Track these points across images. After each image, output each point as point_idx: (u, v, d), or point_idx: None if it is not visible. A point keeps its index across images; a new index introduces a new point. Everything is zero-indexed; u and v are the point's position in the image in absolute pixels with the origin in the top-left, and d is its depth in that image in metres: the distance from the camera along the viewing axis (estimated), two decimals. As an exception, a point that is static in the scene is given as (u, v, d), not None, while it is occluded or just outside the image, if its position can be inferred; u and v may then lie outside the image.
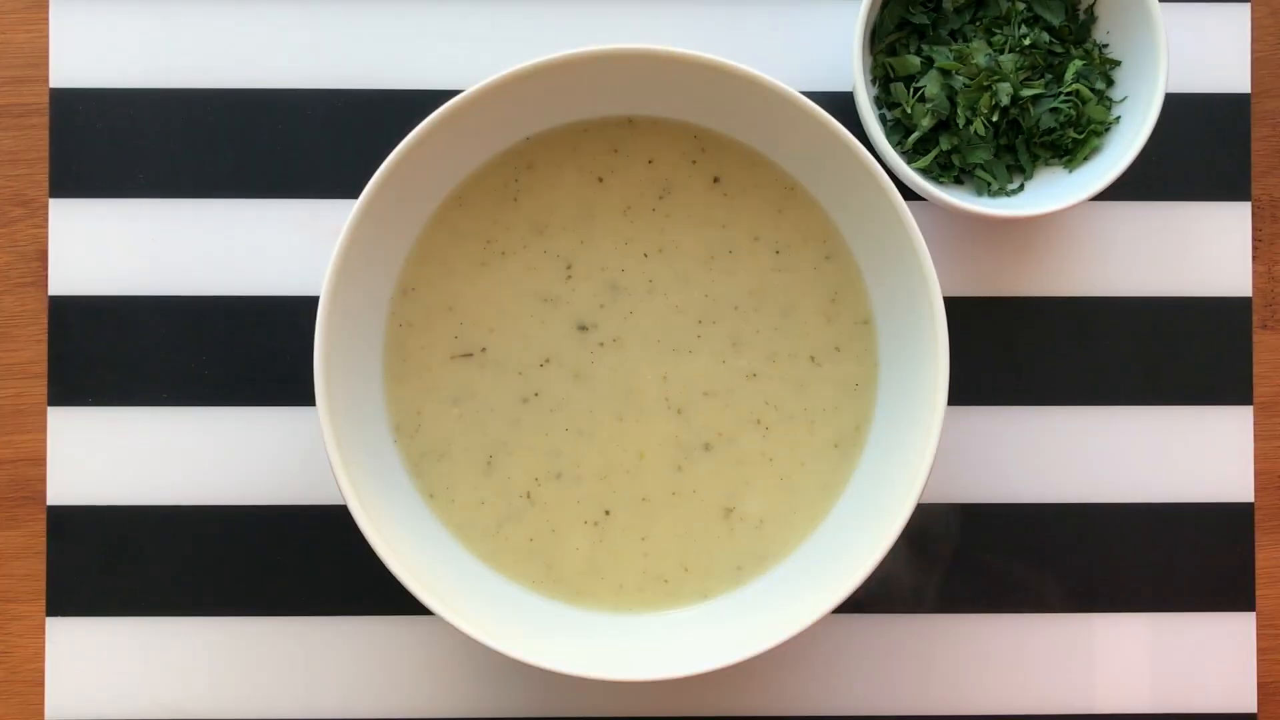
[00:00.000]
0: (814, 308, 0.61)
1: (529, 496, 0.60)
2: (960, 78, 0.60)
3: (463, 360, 0.60)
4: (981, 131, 0.61)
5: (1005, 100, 0.60)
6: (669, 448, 0.61)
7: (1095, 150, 0.62)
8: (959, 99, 0.60)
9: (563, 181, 0.60)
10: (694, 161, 0.60)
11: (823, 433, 0.60)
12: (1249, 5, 0.66)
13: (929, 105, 0.61)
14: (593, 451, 0.61)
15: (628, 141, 0.60)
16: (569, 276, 0.60)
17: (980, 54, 0.60)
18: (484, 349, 0.60)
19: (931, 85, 0.60)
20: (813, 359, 0.60)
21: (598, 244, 0.60)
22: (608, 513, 0.61)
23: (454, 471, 0.60)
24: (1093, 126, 0.61)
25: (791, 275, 0.61)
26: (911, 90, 0.61)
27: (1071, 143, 0.61)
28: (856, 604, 0.65)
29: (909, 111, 0.61)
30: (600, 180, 0.60)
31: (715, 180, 0.61)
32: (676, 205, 0.61)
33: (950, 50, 0.61)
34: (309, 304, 0.62)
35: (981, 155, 0.62)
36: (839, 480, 0.60)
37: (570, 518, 0.60)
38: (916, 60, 0.61)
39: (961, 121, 0.61)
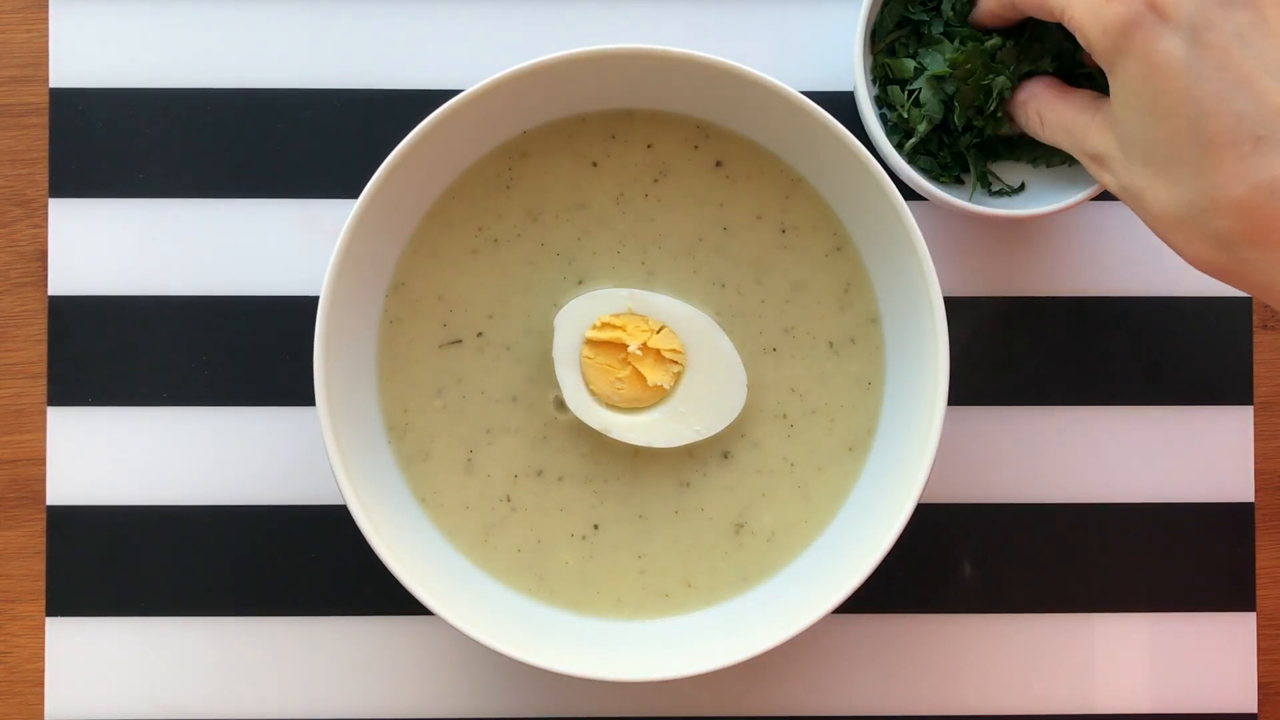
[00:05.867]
0: (826, 291, 0.60)
1: (509, 500, 0.60)
2: (956, 79, 0.60)
3: (451, 348, 0.60)
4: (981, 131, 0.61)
5: (1005, 98, 0.60)
6: (675, 456, 0.61)
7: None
8: (956, 99, 0.60)
9: (557, 167, 0.60)
10: (696, 147, 0.60)
11: (840, 433, 0.60)
12: (1249, 5, 0.66)
13: (923, 110, 0.60)
14: (580, 444, 0.60)
15: (626, 130, 0.60)
16: (558, 254, 0.60)
17: (976, 53, 0.60)
18: (479, 334, 0.60)
19: (925, 90, 0.60)
20: (831, 345, 0.60)
21: (591, 227, 0.60)
22: (596, 527, 0.60)
23: (437, 473, 0.60)
24: None
25: (799, 254, 0.60)
26: (907, 93, 0.61)
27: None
28: (856, 604, 0.65)
29: (905, 116, 0.61)
30: (594, 165, 0.60)
31: (718, 164, 0.60)
32: (671, 188, 0.60)
33: (946, 50, 0.60)
34: (308, 304, 0.62)
35: (981, 155, 0.62)
36: (848, 484, 0.60)
37: (554, 527, 0.60)
38: (910, 63, 0.61)
39: (960, 123, 0.61)
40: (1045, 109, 0.56)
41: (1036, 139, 0.58)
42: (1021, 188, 0.62)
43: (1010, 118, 0.59)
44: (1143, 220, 0.51)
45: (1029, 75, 0.59)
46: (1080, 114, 0.53)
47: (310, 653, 0.64)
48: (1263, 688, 0.65)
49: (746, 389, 0.60)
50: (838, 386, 0.60)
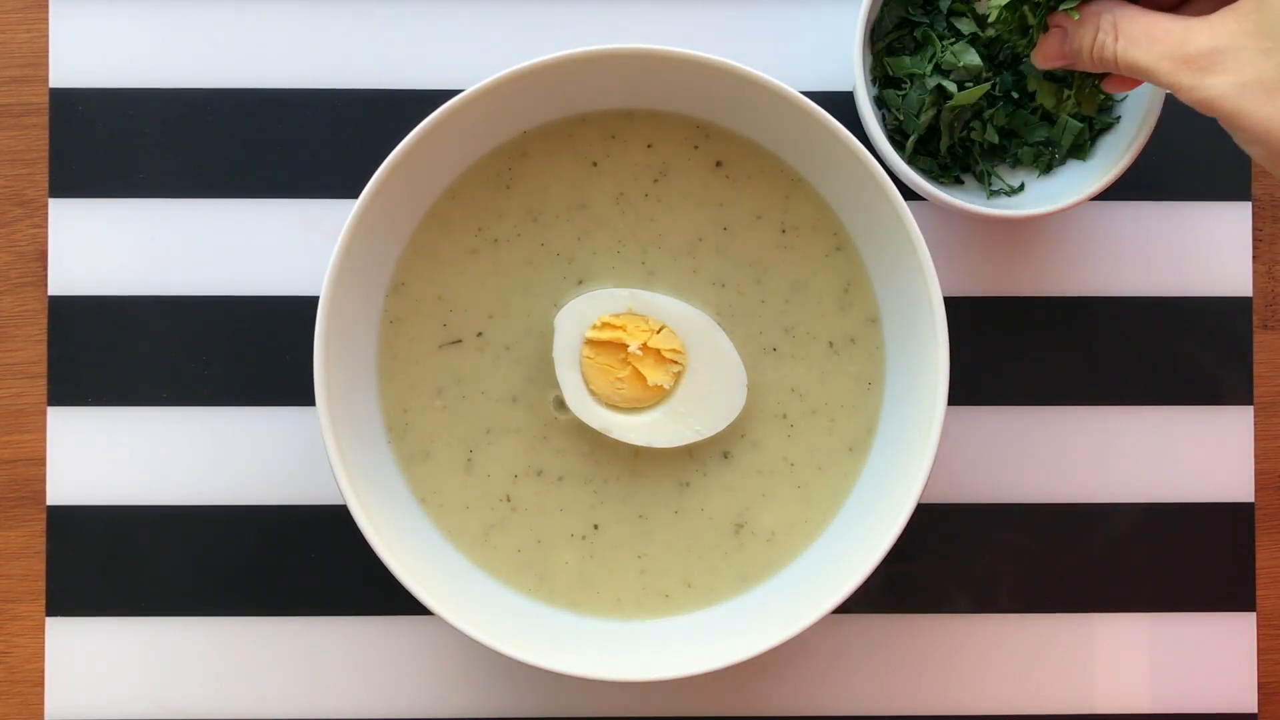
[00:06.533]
0: (826, 291, 0.60)
1: (509, 500, 0.60)
2: (951, 80, 0.60)
3: (451, 348, 0.60)
4: (979, 131, 0.61)
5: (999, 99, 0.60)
6: (675, 456, 0.61)
7: (1095, 150, 0.62)
8: (952, 99, 0.60)
9: (557, 167, 0.60)
10: (696, 147, 0.60)
11: (840, 433, 0.60)
12: (1249, 5, 0.66)
13: (918, 111, 0.60)
14: (580, 444, 0.60)
15: (626, 130, 0.60)
16: (558, 254, 0.60)
17: (968, 54, 0.60)
18: (479, 334, 0.60)
19: (918, 92, 0.60)
20: (831, 345, 0.60)
21: (591, 227, 0.60)
22: (596, 527, 0.60)
23: (437, 473, 0.60)
24: (1095, 122, 0.61)
25: (799, 254, 0.60)
26: (902, 96, 0.61)
27: (1071, 142, 0.61)
28: (856, 604, 0.65)
29: (900, 118, 0.61)
30: (594, 165, 0.60)
31: (718, 164, 0.60)
32: (671, 187, 0.60)
33: (940, 52, 0.60)
34: (308, 304, 0.62)
35: (981, 155, 0.62)
36: (848, 484, 0.60)
37: (554, 527, 0.60)
38: (908, 61, 0.61)
39: (958, 124, 0.61)
40: (1125, 20, 0.52)
41: (1091, 66, 0.53)
42: (1021, 188, 0.62)
43: (1045, 52, 0.55)
44: (1260, 122, 0.48)
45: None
46: (1175, 21, 0.50)
47: (310, 653, 0.64)
48: (1263, 688, 0.65)
49: (746, 389, 0.60)
50: (838, 386, 0.60)
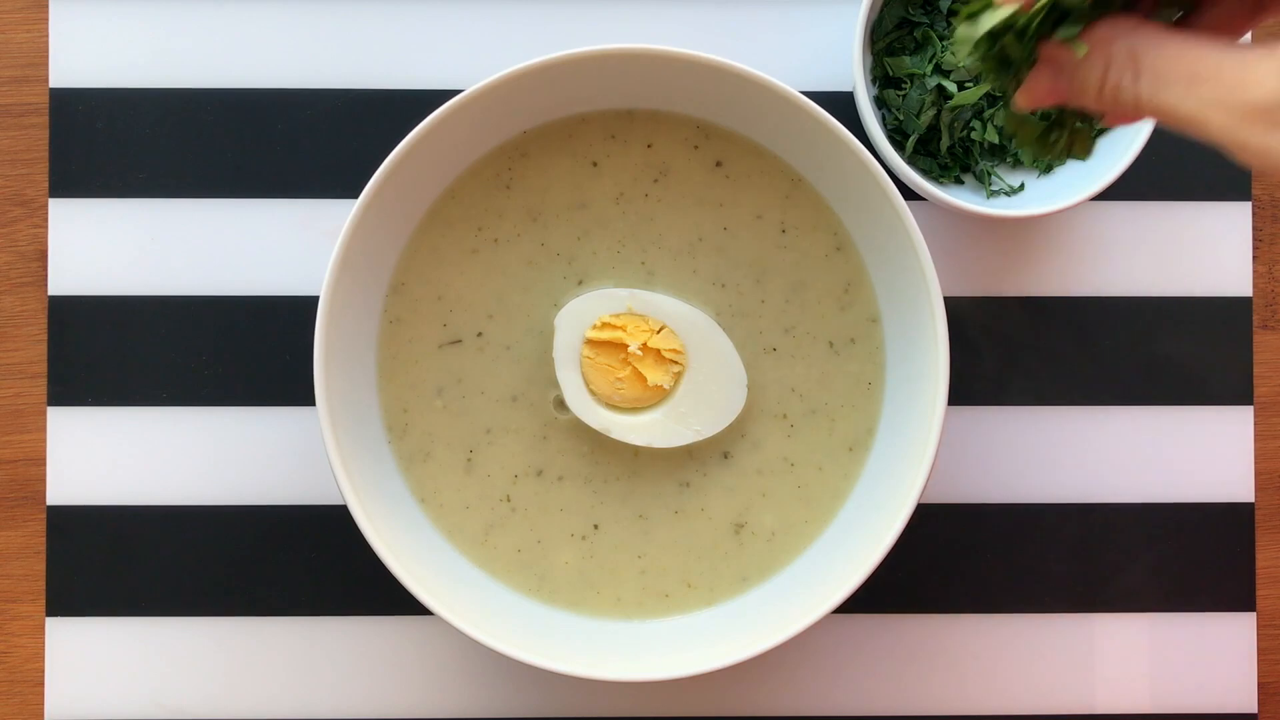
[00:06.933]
0: (826, 291, 0.60)
1: (509, 500, 0.60)
2: (951, 80, 0.60)
3: (451, 348, 0.60)
4: (979, 131, 0.61)
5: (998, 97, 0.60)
6: (675, 456, 0.61)
7: (1095, 150, 0.61)
8: (952, 99, 0.60)
9: (557, 167, 0.60)
10: (696, 147, 0.60)
11: (840, 433, 0.60)
12: (1249, 5, 0.66)
13: (918, 111, 0.60)
14: (580, 444, 0.60)
15: (626, 130, 0.60)
16: (558, 254, 0.60)
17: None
18: (479, 334, 0.60)
19: (918, 92, 0.60)
20: (831, 345, 0.60)
21: (591, 227, 0.60)
22: (596, 527, 0.60)
23: (437, 473, 0.60)
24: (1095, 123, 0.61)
25: (799, 254, 0.60)
26: (902, 96, 0.61)
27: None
28: (857, 604, 0.65)
29: (900, 118, 0.61)
30: (594, 165, 0.60)
31: (718, 164, 0.60)
32: (671, 188, 0.60)
33: (940, 52, 0.61)
34: (308, 304, 0.62)
35: (981, 155, 0.62)
36: (848, 484, 0.60)
37: (554, 527, 0.60)
38: (907, 61, 0.61)
39: (958, 124, 0.61)
40: (1149, 50, 0.38)
41: (1101, 108, 0.40)
42: (1021, 188, 0.62)
43: (1034, 92, 0.41)
44: None
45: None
46: (1220, 52, 0.36)
47: (310, 653, 0.64)
48: (1263, 688, 0.65)
49: (746, 389, 0.60)
50: (838, 386, 0.60)
